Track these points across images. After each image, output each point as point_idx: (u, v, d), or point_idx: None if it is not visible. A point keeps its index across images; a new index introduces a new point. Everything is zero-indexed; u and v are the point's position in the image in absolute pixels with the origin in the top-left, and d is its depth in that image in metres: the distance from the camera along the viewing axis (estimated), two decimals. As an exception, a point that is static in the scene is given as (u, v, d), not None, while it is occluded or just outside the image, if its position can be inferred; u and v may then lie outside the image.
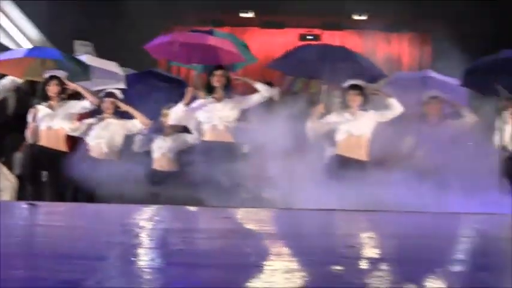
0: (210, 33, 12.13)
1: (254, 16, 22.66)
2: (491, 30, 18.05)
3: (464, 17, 19.39)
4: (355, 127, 9.80)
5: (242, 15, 22.54)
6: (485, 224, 7.32)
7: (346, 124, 9.83)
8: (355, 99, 9.89)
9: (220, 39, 11.31)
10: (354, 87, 9.93)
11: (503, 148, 9.36)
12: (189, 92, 10.34)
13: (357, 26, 22.84)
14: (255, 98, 10.35)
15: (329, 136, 10.11)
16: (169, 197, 9.60)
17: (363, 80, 10.14)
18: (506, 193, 8.96)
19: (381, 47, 23.12)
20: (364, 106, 9.95)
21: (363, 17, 22.37)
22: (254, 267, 4.39)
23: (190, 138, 10.59)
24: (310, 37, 22.59)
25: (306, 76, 11.58)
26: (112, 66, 11.50)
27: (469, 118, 10.29)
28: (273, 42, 23.03)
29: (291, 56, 11.17)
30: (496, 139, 9.51)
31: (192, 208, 8.25)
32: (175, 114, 10.37)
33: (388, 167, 9.82)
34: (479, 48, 11.96)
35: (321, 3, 19.48)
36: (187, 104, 10.28)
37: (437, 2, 19.81)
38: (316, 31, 22.75)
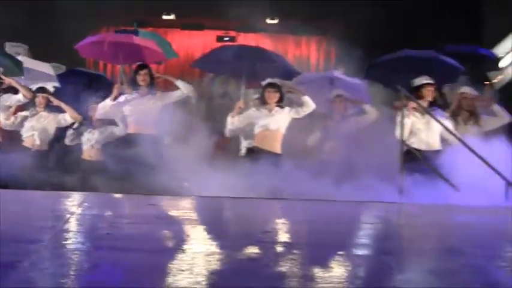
0: (135, 33, 12.10)
1: (175, 18, 22.59)
2: (390, 34, 18.31)
3: (366, 21, 19.62)
4: (272, 122, 9.81)
5: (164, 17, 22.46)
6: (387, 211, 7.39)
7: (263, 119, 9.84)
8: (272, 96, 9.90)
9: (144, 39, 11.31)
10: (271, 85, 9.94)
11: (403, 142, 9.45)
12: (116, 88, 10.34)
13: (270, 29, 22.92)
14: (176, 95, 10.37)
15: (247, 130, 10.12)
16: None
17: (279, 78, 10.18)
18: (405, 184, 9.04)
19: (291, 49, 23.27)
20: (281, 103, 9.97)
21: (275, 21, 22.46)
22: (177, 251, 4.37)
23: (116, 131, 10.54)
24: (226, 39, 22.58)
25: (227, 74, 11.56)
26: (45, 67, 11.39)
27: (372, 114, 10.42)
28: (193, 43, 23.04)
29: (212, 56, 11.20)
30: (397, 133, 9.60)
31: (118, 195, 8.19)
32: (102, 108, 10.32)
33: (299, 159, 9.89)
34: (380, 50, 12.09)
35: (237, 7, 19.47)
36: (114, 99, 10.24)
37: (343, 8, 20.03)
38: (232, 33, 22.77)
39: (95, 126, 10.63)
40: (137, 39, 11.04)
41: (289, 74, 10.69)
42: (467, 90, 10.74)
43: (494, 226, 6.48)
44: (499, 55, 15.96)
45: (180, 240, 4.89)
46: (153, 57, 11.02)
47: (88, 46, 11.08)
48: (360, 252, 4.85)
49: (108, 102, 10.25)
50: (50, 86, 10.82)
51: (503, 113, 10.63)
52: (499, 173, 9.03)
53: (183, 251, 4.42)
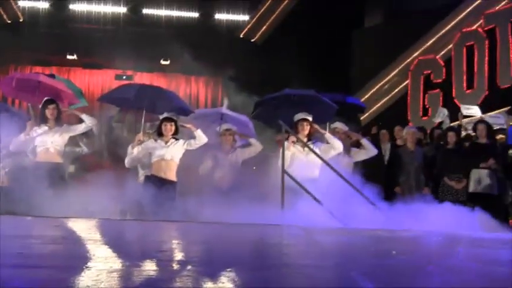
0: (52, 76, 12.00)
1: (77, 58, 22.44)
2: (266, 75, 18.67)
3: (249, 65, 19.90)
4: (167, 153, 9.82)
5: (68, 57, 22.27)
6: (270, 232, 7.46)
7: (159, 150, 9.83)
8: (169, 129, 9.92)
9: (56, 81, 11.25)
10: (167, 119, 9.95)
11: (284, 171, 9.54)
12: (29, 125, 10.14)
13: (163, 69, 23.01)
14: (81, 127, 10.27)
15: (145, 160, 10.09)
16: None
17: (176, 113, 10.21)
18: (286, 207, 9.13)
19: (182, 87, 23.36)
20: (176, 135, 9.98)
21: (167, 62, 22.54)
22: (82, 268, 4.32)
23: (27, 160, 10.34)
24: (124, 77, 22.50)
25: (129, 108, 11.48)
26: None
27: (257, 146, 10.53)
28: (93, 80, 22.92)
29: (117, 92, 11.15)
30: (279, 163, 9.69)
31: (28, 218, 8.03)
32: (16, 143, 10.09)
33: (193, 186, 9.94)
34: (263, 89, 12.28)
35: (133, 49, 19.48)
36: (27, 134, 10.06)
37: (229, 51, 20.33)
38: (130, 72, 22.70)
39: (8, 156, 10.42)
40: (42, 77, 11.02)
41: (184, 111, 10.74)
42: (339, 125, 11.00)
43: (365, 245, 6.63)
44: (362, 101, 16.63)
45: (85, 259, 4.83)
46: (67, 98, 10.87)
47: (6, 84, 11.04)
48: (246, 268, 4.87)
49: (21, 137, 10.06)
50: None
51: (370, 146, 10.90)
52: (367, 199, 9.26)
53: (88, 268, 4.37)
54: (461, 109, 13.70)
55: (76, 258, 4.91)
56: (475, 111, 13.92)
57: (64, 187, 9.50)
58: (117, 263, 4.84)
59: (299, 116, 10.18)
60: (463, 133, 12.39)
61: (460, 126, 12.73)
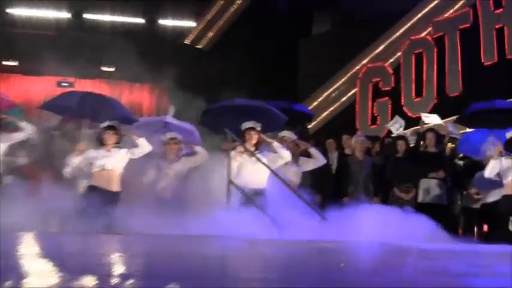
0: None
1: (17, 64, 22.15)
2: (213, 82, 18.68)
3: (197, 72, 19.87)
4: (108, 162, 9.71)
5: (7, 63, 21.98)
6: (215, 244, 7.40)
7: (100, 160, 9.72)
8: (111, 138, 9.83)
9: None
10: (109, 127, 9.86)
11: (230, 181, 9.52)
12: None
13: (106, 76, 22.85)
14: (20, 135, 10.19)
15: (86, 170, 9.97)
16: None
17: (118, 122, 10.11)
18: (231, 218, 9.09)
19: (126, 94, 23.23)
20: (118, 144, 9.89)
21: (111, 69, 22.40)
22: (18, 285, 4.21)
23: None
24: (65, 84, 22.26)
25: (71, 117, 11.35)
26: None
27: (202, 155, 10.48)
28: (34, 87, 22.61)
29: (59, 100, 11.00)
30: (225, 173, 9.65)
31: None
32: None
33: (136, 196, 9.85)
34: (211, 98, 12.25)
35: (76, 55, 19.30)
36: None
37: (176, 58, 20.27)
38: (71, 79, 22.47)
39: None
40: None
41: (127, 119, 10.65)
42: (287, 134, 10.99)
43: (311, 257, 6.63)
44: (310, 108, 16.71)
45: (17, 275, 4.71)
46: (3, 104, 10.71)
47: None
48: (189, 281, 4.81)
49: None
50: None
51: (319, 155, 10.92)
52: (315, 209, 9.26)
53: (25, 284, 4.26)
54: (422, 117, 13.83)
55: (11, 273, 4.80)
56: (434, 119, 14.06)
57: (1, 198, 9.33)
58: (55, 278, 4.74)
59: (247, 124, 10.14)
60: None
61: (419, 134, 12.84)
